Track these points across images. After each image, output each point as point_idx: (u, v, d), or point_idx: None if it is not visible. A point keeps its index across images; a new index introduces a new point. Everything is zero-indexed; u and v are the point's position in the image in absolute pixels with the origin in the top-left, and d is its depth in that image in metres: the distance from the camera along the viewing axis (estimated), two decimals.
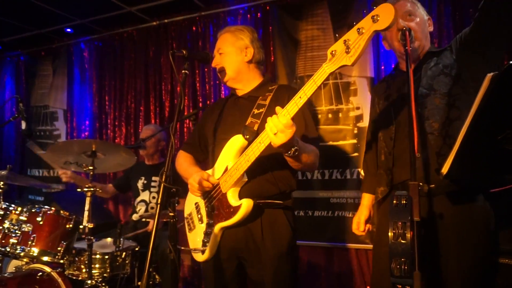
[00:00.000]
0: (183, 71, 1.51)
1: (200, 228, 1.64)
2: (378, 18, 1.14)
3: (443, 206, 1.46)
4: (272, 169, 1.58)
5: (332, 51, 1.24)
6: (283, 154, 1.41)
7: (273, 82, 1.82)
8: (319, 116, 2.99)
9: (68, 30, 4.18)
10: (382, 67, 2.82)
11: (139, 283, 2.56)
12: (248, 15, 3.42)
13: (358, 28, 1.18)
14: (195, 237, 1.67)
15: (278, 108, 1.33)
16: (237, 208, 1.48)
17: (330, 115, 2.94)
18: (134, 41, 4.02)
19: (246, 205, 1.47)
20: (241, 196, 1.52)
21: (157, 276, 2.66)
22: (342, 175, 2.87)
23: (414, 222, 1.13)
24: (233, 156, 1.54)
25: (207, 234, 1.59)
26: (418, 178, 1.19)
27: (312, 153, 1.52)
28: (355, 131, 2.85)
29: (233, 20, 3.50)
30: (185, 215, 1.77)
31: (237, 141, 1.54)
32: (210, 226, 1.59)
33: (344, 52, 1.21)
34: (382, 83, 1.83)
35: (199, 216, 1.67)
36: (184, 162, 1.80)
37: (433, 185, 1.46)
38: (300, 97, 1.30)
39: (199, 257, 1.62)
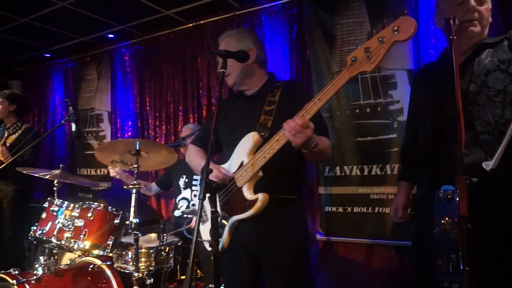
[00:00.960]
0: (220, 70, 1.55)
1: None
2: (399, 30, 1.23)
3: (491, 201, 1.39)
4: (285, 165, 1.60)
5: (353, 57, 1.31)
6: (301, 150, 1.45)
7: (277, 79, 1.84)
8: (357, 110, 2.93)
9: (110, 36, 4.39)
10: (422, 59, 2.72)
11: (182, 276, 2.67)
12: (282, 12, 3.43)
13: (380, 37, 1.26)
14: (208, 229, 1.70)
15: (297, 114, 1.40)
16: (253, 202, 1.52)
17: (368, 110, 2.88)
18: (171, 43, 4.15)
19: (262, 199, 1.51)
20: (257, 191, 1.55)
21: (198, 271, 2.75)
22: (382, 171, 2.81)
23: (462, 217, 1.10)
24: (248, 152, 1.57)
25: (221, 226, 1.64)
26: (465, 174, 1.16)
27: (326, 147, 1.59)
28: (395, 125, 2.77)
29: (267, 18, 3.51)
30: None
31: (252, 138, 1.57)
32: (224, 218, 1.64)
33: (365, 59, 1.28)
34: (427, 71, 1.76)
35: None
36: (196, 156, 1.84)
37: (481, 181, 1.40)
38: (319, 99, 1.37)
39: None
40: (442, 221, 1.15)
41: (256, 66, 1.75)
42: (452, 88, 1.18)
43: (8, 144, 3.23)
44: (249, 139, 1.58)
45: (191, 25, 3.94)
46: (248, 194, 1.55)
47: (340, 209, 2.95)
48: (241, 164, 1.57)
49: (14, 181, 3.40)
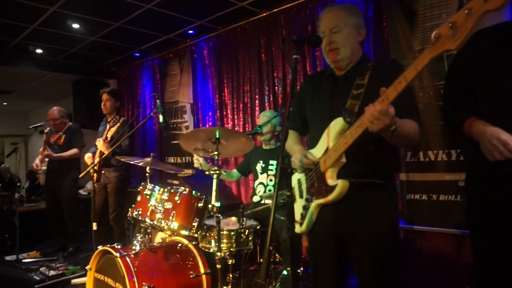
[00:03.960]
0: (293, 56, 1.54)
1: (300, 202, 1.73)
2: None
3: None
4: (372, 150, 1.55)
5: (437, 34, 1.19)
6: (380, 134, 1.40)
7: (369, 59, 1.73)
8: (442, 91, 2.70)
9: (190, 32, 4.66)
10: None
11: (261, 260, 2.78)
12: None
13: (467, 9, 1.12)
14: (295, 210, 1.74)
15: (382, 90, 1.33)
16: (332, 188, 1.53)
17: None
18: (246, 34, 4.26)
19: (341, 185, 1.51)
20: (340, 176, 1.54)
21: (277, 255, 2.84)
22: None
23: None
24: (334, 138, 1.56)
25: (305, 208, 1.67)
26: None
27: (410, 131, 1.49)
28: None
29: None
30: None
31: (338, 123, 1.55)
32: (308, 201, 1.67)
33: (449, 36, 1.15)
34: (480, 39, 1.55)
35: (300, 191, 1.74)
36: (289, 140, 1.87)
37: None
38: (400, 82, 1.28)
39: (297, 229, 1.71)
40: None
41: (359, 46, 1.70)
42: None
43: (109, 136, 3.66)
44: (335, 125, 1.58)
45: (264, 14, 3.99)
46: (330, 179, 1.56)
47: (424, 197, 2.78)
48: (327, 150, 1.59)
49: (116, 168, 3.87)
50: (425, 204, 2.77)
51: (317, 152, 1.65)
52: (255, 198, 3.13)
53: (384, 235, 1.56)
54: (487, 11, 1.09)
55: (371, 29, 3.19)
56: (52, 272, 3.45)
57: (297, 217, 1.70)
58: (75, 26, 4.33)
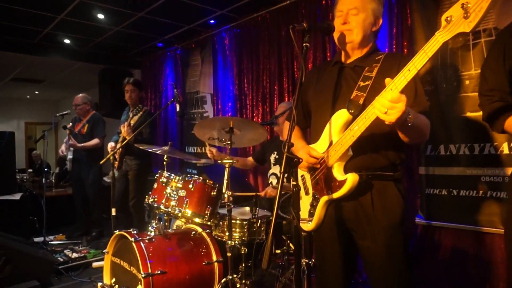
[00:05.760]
0: (304, 44, 1.51)
1: (306, 199, 1.69)
2: None
3: None
4: (380, 141, 1.51)
5: (447, 17, 1.11)
6: (396, 128, 1.34)
7: (379, 51, 1.66)
8: (467, 82, 2.59)
9: (212, 21, 4.66)
10: None
11: (277, 250, 2.79)
12: None
13: None
14: (302, 208, 1.71)
15: (387, 80, 1.26)
16: (342, 182, 1.47)
17: None
18: (267, 23, 4.21)
19: (351, 179, 1.45)
20: (348, 170, 1.50)
21: (291, 245, 2.83)
22: (497, 150, 2.45)
23: None
24: (338, 131, 1.51)
25: (313, 205, 1.63)
26: None
27: (424, 124, 1.43)
28: None
29: None
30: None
31: (341, 115, 1.51)
32: (315, 198, 1.62)
33: (462, 18, 1.07)
34: None
35: (305, 188, 1.70)
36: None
37: None
38: (409, 70, 1.22)
39: (306, 227, 1.67)
40: None
41: (372, 36, 1.64)
42: None
43: (132, 124, 3.75)
44: (338, 117, 1.53)
45: (285, 3, 3.93)
46: (338, 174, 1.52)
47: (444, 192, 2.68)
48: (331, 143, 1.54)
49: (137, 156, 3.96)
50: (445, 199, 2.68)
51: (320, 146, 1.61)
52: None
53: (395, 229, 1.52)
54: None
55: (394, 17, 3.08)
56: (75, 255, 3.61)
57: (305, 214, 1.67)
58: (100, 16, 4.42)
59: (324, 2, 3.61)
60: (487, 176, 2.50)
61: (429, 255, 2.78)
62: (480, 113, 2.47)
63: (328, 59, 3.55)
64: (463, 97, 2.60)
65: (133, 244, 2.28)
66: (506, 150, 2.42)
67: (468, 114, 2.57)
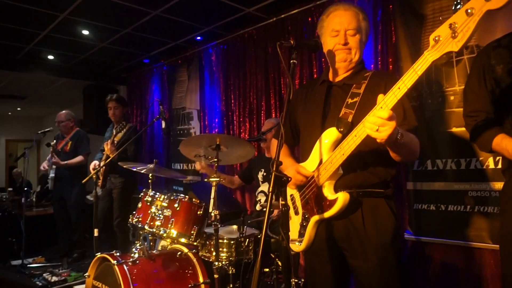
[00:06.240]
0: (291, 61, 1.50)
1: (296, 219, 1.64)
2: None
3: None
4: (370, 159, 1.50)
5: (436, 37, 1.13)
6: (384, 145, 1.33)
7: (366, 69, 1.67)
8: (452, 97, 2.62)
9: (198, 38, 4.66)
10: None
11: (265, 269, 2.71)
12: None
13: (467, 9, 1.06)
14: (291, 228, 1.67)
15: (379, 97, 1.26)
16: (333, 202, 1.45)
17: None
18: (254, 40, 4.23)
19: (342, 198, 1.43)
20: (338, 189, 1.48)
21: (279, 263, 2.77)
22: (482, 165, 2.46)
23: None
24: (327, 150, 1.49)
25: (303, 226, 1.59)
26: None
27: (413, 142, 1.43)
28: None
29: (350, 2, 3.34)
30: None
31: (331, 134, 1.49)
32: (305, 217, 1.59)
33: (450, 37, 1.09)
34: (502, 48, 1.50)
35: (294, 207, 1.66)
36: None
37: None
38: (399, 88, 1.22)
39: (296, 248, 1.62)
40: None
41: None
42: None
43: (115, 142, 3.66)
44: (328, 136, 1.51)
45: (271, 20, 3.97)
46: (328, 193, 1.49)
47: (432, 207, 2.68)
48: (321, 162, 1.52)
49: (121, 174, 3.86)
50: (433, 214, 2.67)
51: (309, 165, 1.58)
52: (258, 207, 3.08)
53: (388, 247, 1.49)
54: (489, 10, 1.04)
55: (379, 35, 3.12)
56: (54, 278, 3.46)
57: (295, 235, 1.63)
58: (85, 32, 4.38)
59: (310, 19, 3.65)
60: (474, 191, 2.50)
61: (418, 270, 2.76)
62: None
63: (315, 75, 3.56)
64: (448, 112, 2.63)
65: (116, 267, 2.18)
66: (491, 165, 2.43)
67: (454, 129, 2.60)
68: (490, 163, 2.44)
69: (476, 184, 2.49)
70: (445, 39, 1.10)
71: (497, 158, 2.39)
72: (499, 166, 2.36)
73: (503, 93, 1.49)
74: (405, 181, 2.85)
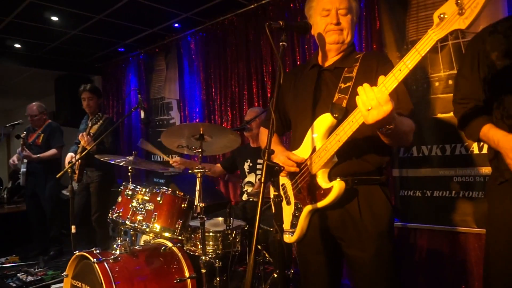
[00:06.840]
0: (280, 43, 1.41)
1: (288, 209, 1.58)
2: None
3: None
4: (364, 146, 1.44)
5: (441, 14, 1.05)
6: (375, 130, 1.27)
7: (357, 51, 1.61)
8: (437, 84, 2.61)
9: (176, 25, 4.49)
10: None
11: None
12: None
13: None
14: (284, 219, 1.61)
15: (380, 78, 1.18)
16: (328, 190, 1.38)
17: (450, 82, 2.54)
18: (234, 27, 4.11)
19: (338, 187, 1.36)
20: (332, 177, 1.41)
21: (267, 254, 2.72)
22: (467, 150, 2.48)
23: None
24: (321, 137, 1.42)
25: (295, 216, 1.52)
26: None
27: (408, 128, 1.38)
28: None
29: None
30: (271, 196, 1.72)
31: (325, 120, 1.42)
32: (298, 207, 1.52)
33: (457, 14, 1.01)
34: (498, 33, 1.44)
35: (286, 197, 1.60)
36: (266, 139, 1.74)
37: None
38: (400, 70, 1.13)
39: (288, 239, 1.57)
40: None
41: None
42: None
43: (91, 134, 3.49)
44: (322, 122, 1.44)
45: (253, 6, 3.85)
46: (322, 182, 1.42)
47: (418, 193, 2.68)
48: (314, 150, 1.45)
49: (98, 167, 3.70)
50: (419, 200, 2.68)
51: (302, 153, 1.51)
52: (244, 197, 3.01)
53: (385, 235, 1.45)
54: None
55: (363, 20, 3.08)
56: (30, 278, 3.29)
57: (287, 226, 1.56)
58: (54, 18, 4.13)
59: (292, 5, 3.56)
60: (459, 176, 2.52)
61: (405, 257, 2.77)
62: (450, 113, 2.51)
63: (298, 62, 3.49)
64: (433, 98, 2.62)
65: (96, 265, 2.07)
66: (476, 150, 2.45)
67: (439, 115, 2.59)
68: (475, 148, 2.45)
69: (461, 170, 2.50)
70: (451, 16, 1.03)
71: (481, 144, 2.40)
72: (484, 151, 2.39)
73: (495, 81, 1.46)
74: (391, 168, 2.84)
